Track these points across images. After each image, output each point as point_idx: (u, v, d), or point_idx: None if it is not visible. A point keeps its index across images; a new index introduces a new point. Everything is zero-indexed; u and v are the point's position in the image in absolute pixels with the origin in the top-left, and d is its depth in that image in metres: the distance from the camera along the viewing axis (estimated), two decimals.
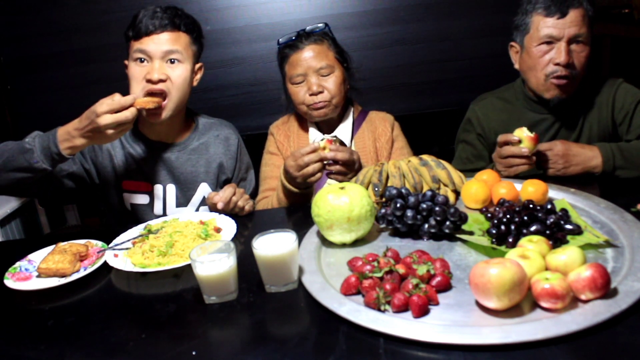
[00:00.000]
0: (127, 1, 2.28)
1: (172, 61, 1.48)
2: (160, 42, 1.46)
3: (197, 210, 1.63)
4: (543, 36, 1.52)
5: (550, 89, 1.56)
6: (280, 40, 1.71)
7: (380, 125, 1.76)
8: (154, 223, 1.41)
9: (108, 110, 1.25)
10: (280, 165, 1.73)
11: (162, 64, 1.46)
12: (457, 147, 1.85)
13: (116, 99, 1.26)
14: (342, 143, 1.48)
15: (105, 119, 1.25)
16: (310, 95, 1.64)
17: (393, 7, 2.38)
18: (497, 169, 1.50)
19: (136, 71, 1.47)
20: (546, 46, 1.53)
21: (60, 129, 1.32)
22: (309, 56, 1.64)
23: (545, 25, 1.52)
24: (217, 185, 1.67)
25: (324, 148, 1.43)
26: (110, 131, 1.27)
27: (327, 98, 1.64)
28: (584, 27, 1.51)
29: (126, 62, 1.53)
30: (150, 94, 1.46)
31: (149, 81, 1.45)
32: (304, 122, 1.78)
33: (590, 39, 1.54)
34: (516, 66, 1.66)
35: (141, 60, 1.46)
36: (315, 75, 1.63)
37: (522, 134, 1.42)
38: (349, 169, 1.45)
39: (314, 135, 1.74)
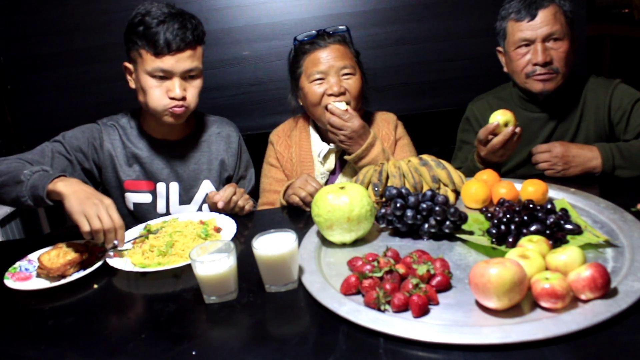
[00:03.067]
0: (127, 1, 2.28)
1: (191, 77, 1.48)
2: (182, 61, 1.43)
3: (200, 207, 1.63)
4: (518, 40, 1.59)
5: (535, 84, 1.61)
6: (298, 37, 1.67)
7: (384, 128, 1.74)
8: (153, 223, 1.41)
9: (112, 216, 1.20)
10: (280, 179, 1.73)
11: (181, 81, 1.46)
12: (457, 148, 1.86)
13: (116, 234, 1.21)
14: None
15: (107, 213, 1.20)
16: (329, 95, 1.59)
17: (393, 7, 2.37)
18: (490, 159, 1.49)
19: (154, 85, 1.44)
20: (524, 48, 1.59)
21: (64, 176, 1.28)
22: (332, 55, 1.60)
23: (518, 29, 1.58)
24: (220, 183, 1.67)
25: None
26: (90, 204, 1.19)
27: (347, 100, 1.59)
28: (557, 24, 1.55)
29: (127, 64, 1.51)
30: None
31: (172, 98, 1.45)
32: (306, 129, 1.76)
33: (569, 32, 1.58)
34: (505, 69, 1.71)
35: (161, 78, 1.44)
36: (336, 76, 1.59)
37: (498, 117, 1.43)
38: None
39: (317, 145, 1.72)
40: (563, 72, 1.58)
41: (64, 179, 1.26)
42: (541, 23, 1.54)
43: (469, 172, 1.55)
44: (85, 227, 1.18)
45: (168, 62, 1.41)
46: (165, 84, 1.45)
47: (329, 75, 1.60)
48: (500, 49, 1.70)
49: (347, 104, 1.56)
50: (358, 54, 1.69)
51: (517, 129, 1.42)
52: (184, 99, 1.46)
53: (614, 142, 1.56)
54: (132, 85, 1.52)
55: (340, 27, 1.67)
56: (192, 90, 1.49)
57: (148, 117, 1.57)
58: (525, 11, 1.56)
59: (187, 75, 1.46)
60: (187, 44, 1.42)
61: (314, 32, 1.65)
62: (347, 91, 1.60)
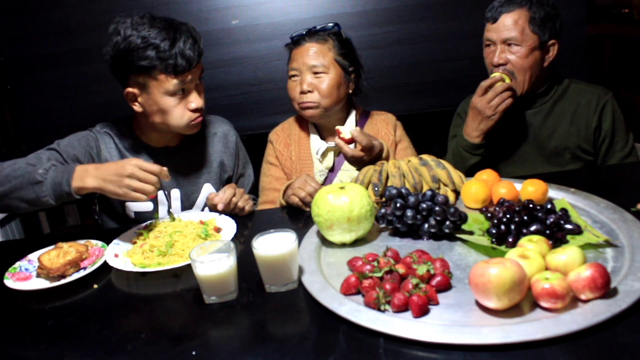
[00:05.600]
0: (127, 1, 2.28)
1: (199, 80, 1.48)
2: (197, 70, 1.45)
3: (202, 211, 1.62)
4: (484, 39, 1.69)
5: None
6: (292, 34, 1.71)
7: (383, 128, 1.74)
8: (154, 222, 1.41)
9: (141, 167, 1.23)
10: (280, 177, 1.73)
11: (196, 90, 1.47)
12: (449, 143, 1.90)
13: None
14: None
15: (135, 170, 1.22)
16: (300, 93, 1.63)
17: (393, 7, 2.37)
18: (486, 114, 1.58)
19: (175, 103, 1.43)
20: (489, 48, 1.68)
21: (79, 167, 1.28)
22: (306, 53, 1.63)
23: (486, 29, 1.68)
24: (220, 184, 1.66)
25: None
26: (127, 182, 1.22)
27: (315, 99, 1.62)
28: (515, 30, 1.60)
29: (131, 90, 1.43)
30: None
31: (195, 110, 1.46)
32: (305, 128, 1.76)
33: (535, 39, 1.62)
34: None
35: (182, 91, 1.43)
36: (308, 73, 1.63)
37: (497, 74, 1.59)
38: (367, 154, 1.47)
39: (315, 142, 1.72)
40: (521, 79, 1.63)
41: (83, 170, 1.26)
42: (502, 27, 1.62)
43: (457, 154, 1.66)
44: (143, 198, 1.23)
45: (187, 76, 1.41)
46: (184, 98, 1.44)
47: (302, 74, 1.64)
48: None
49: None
50: (346, 50, 1.68)
51: (508, 83, 1.57)
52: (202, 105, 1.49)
53: (590, 143, 1.69)
54: (139, 109, 1.46)
55: (329, 24, 1.69)
56: (202, 95, 1.50)
57: (147, 128, 1.54)
58: (491, 13, 1.64)
59: (197, 83, 1.47)
60: (201, 54, 1.44)
61: (303, 30, 1.68)
62: (316, 90, 1.62)
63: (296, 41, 1.67)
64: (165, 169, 1.27)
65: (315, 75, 1.63)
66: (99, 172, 1.25)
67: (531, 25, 1.60)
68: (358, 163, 1.49)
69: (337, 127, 1.49)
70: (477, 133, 1.62)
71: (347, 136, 1.46)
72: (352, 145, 1.48)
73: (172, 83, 1.39)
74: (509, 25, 1.60)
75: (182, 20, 1.46)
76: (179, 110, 1.44)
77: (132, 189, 1.21)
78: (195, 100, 1.45)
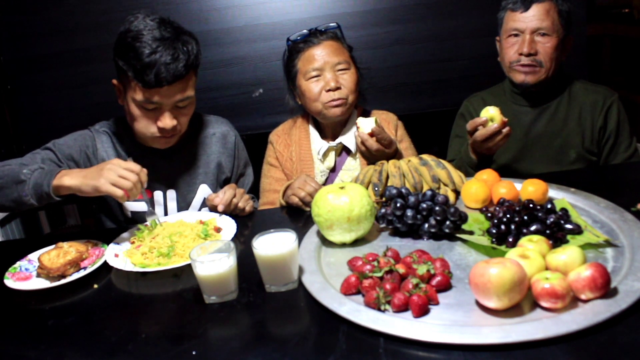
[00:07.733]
0: (127, 1, 2.29)
1: (183, 104, 1.42)
2: (172, 93, 1.35)
3: (199, 211, 1.62)
4: (509, 29, 1.67)
5: (517, 75, 1.68)
6: (290, 37, 1.68)
7: (384, 128, 1.74)
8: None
9: (119, 165, 1.23)
10: (280, 178, 1.73)
11: (172, 111, 1.40)
12: (451, 142, 1.90)
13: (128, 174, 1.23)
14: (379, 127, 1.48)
15: (113, 165, 1.23)
16: (327, 91, 1.59)
17: (393, 7, 2.37)
18: (477, 150, 1.53)
19: (142, 113, 1.39)
20: (514, 38, 1.67)
21: (64, 170, 1.28)
22: (326, 51, 1.61)
23: (512, 19, 1.67)
24: (217, 185, 1.65)
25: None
26: (106, 174, 1.21)
27: (344, 95, 1.60)
28: (547, 20, 1.62)
29: (116, 83, 1.44)
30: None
31: (161, 129, 1.40)
32: (305, 128, 1.76)
33: (561, 30, 1.64)
34: (499, 58, 1.77)
35: (149, 109, 1.38)
36: (332, 71, 1.60)
37: (487, 113, 1.45)
38: (388, 147, 1.46)
39: (316, 143, 1.72)
40: (547, 67, 1.64)
41: (66, 172, 1.27)
42: (532, 16, 1.62)
43: (461, 162, 1.61)
44: (118, 192, 1.20)
45: (157, 94, 1.34)
46: (155, 113, 1.40)
47: (324, 71, 1.61)
48: (498, 37, 1.77)
49: (375, 122, 1.49)
50: (351, 49, 1.70)
51: (505, 129, 1.42)
52: (174, 128, 1.42)
53: (596, 144, 1.70)
54: (121, 103, 1.46)
55: (331, 24, 1.68)
56: (182, 119, 1.44)
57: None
58: (520, 2, 1.64)
59: (179, 105, 1.41)
60: (177, 77, 1.34)
61: (305, 31, 1.66)
62: (343, 86, 1.61)
63: (307, 40, 1.63)
64: (145, 170, 1.26)
65: (339, 72, 1.61)
66: (81, 172, 1.26)
67: (559, 17, 1.63)
68: (374, 157, 1.49)
69: (357, 120, 1.47)
70: (480, 158, 1.57)
71: (367, 130, 1.45)
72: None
73: (139, 94, 1.35)
74: (541, 14, 1.61)
75: (188, 38, 1.38)
76: (144, 121, 1.40)
77: (110, 181, 1.20)
78: (163, 121, 1.39)
